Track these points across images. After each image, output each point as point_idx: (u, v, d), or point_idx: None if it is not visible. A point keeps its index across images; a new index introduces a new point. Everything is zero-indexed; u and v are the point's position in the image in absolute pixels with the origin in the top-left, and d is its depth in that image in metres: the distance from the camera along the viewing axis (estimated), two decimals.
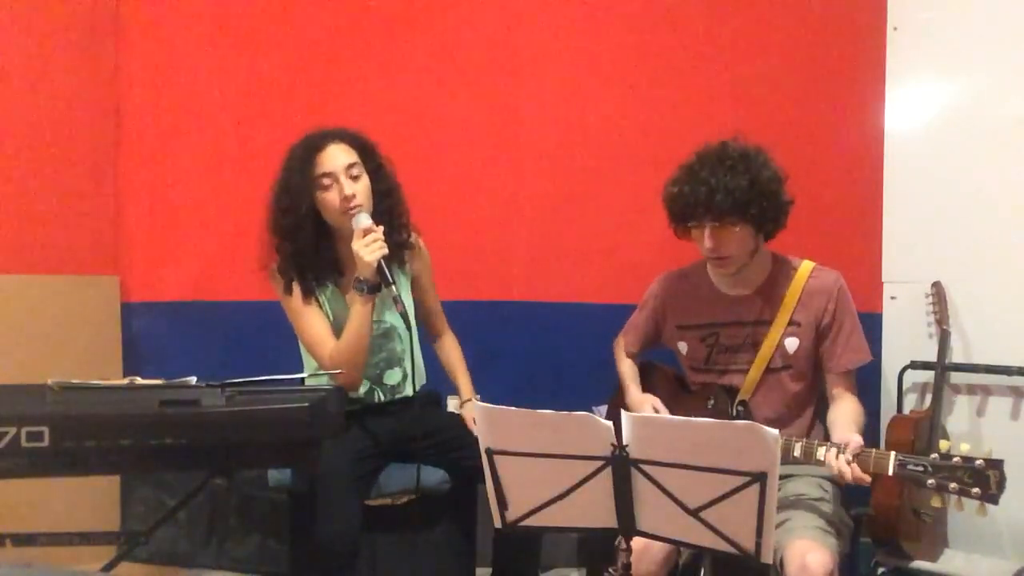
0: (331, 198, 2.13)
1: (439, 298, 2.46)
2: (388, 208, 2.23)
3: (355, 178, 2.14)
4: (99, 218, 3.17)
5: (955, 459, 1.63)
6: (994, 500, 1.61)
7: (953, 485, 1.63)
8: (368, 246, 2.06)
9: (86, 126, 3.12)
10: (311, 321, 2.19)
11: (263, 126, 3.11)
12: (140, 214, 3.23)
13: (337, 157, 2.13)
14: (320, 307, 2.22)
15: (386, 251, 2.08)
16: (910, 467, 1.68)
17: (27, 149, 2.93)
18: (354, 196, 2.11)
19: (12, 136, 2.88)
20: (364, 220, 2.10)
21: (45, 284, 2.93)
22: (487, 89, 3.04)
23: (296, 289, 2.19)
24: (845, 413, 2.01)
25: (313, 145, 2.15)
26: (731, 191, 1.92)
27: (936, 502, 1.72)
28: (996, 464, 1.61)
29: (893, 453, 1.71)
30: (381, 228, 2.11)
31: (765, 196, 1.96)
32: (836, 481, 2.04)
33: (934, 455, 1.66)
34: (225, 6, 3.18)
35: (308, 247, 2.17)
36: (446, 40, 3.06)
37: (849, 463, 1.74)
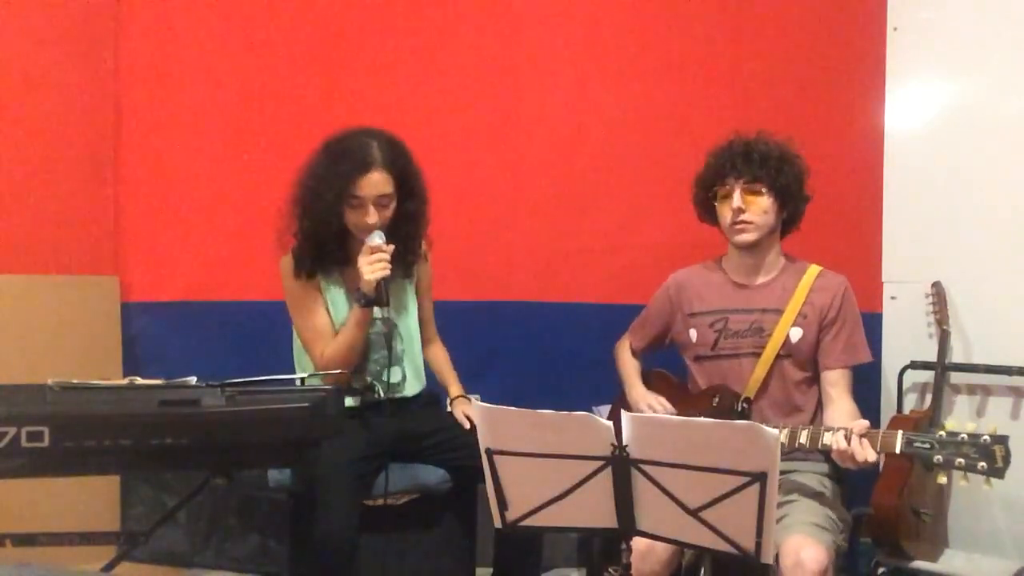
0: (354, 217, 2.16)
1: (432, 307, 2.47)
2: (406, 233, 2.25)
3: (383, 207, 2.16)
4: (99, 218, 3.17)
5: (961, 436, 1.66)
6: (1000, 474, 1.63)
7: (959, 460, 1.65)
8: (372, 264, 2.10)
9: (86, 126, 3.12)
10: (310, 314, 2.22)
11: (263, 126, 3.11)
12: (140, 214, 3.22)
13: (374, 186, 2.13)
14: (321, 295, 2.24)
15: (387, 272, 2.11)
16: (917, 444, 1.71)
17: (27, 149, 2.92)
18: (374, 225, 2.14)
19: (12, 136, 2.88)
20: (375, 238, 2.14)
21: (45, 284, 2.93)
22: (487, 89, 3.04)
23: (302, 276, 2.21)
24: (842, 412, 2.03)
25: (360, 165, 2.12)
26: (765, 155, 2.08)
27: (941, 479, 1.74)
28: (1001, 440, 1.64)
29: (900, 431, 1.73)
30: (391, 248, 2.14)
31: (792, 173, 2.10)
32: (837, 474, 2.05)
33: (940, 432, 1.69)
34: (225, 6, 3.17)
35: (324, 242, 2.20)
36: (446, 39, 3.06)
37: (861, 436, 1.75)
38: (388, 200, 2.16)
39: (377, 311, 2.20)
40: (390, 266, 2.12)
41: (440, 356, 2.47)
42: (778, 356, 2.10)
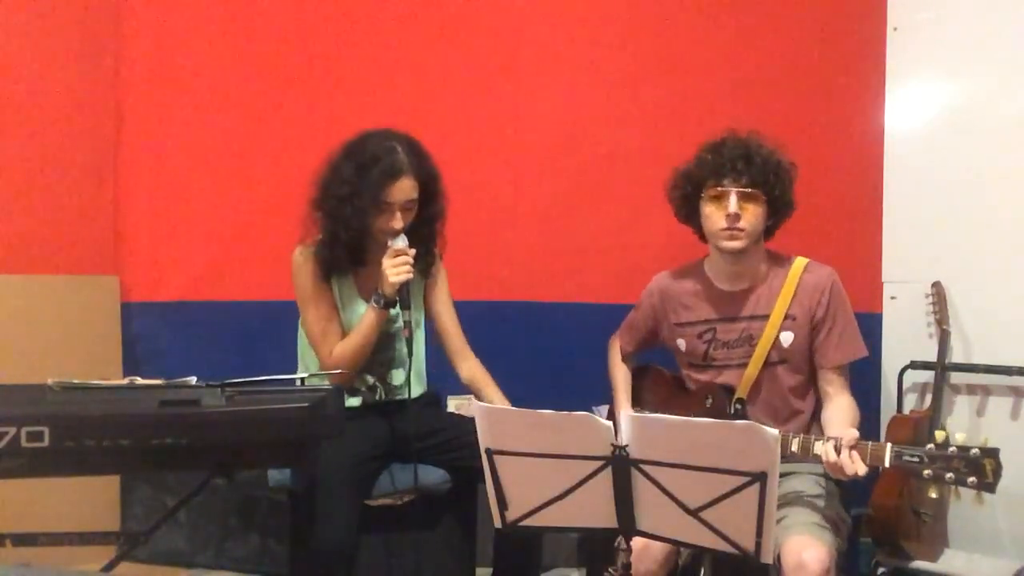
0: (381, 222, 2.16)
1: (457, 317, 2.40)
2: (427, 234, 2.27)
3: (408, 211, 2.18)
4: (99, 218, 3.17)
5: (951, 449, 1.63)
6: (990, 489, 1.60)
7: (949, 475, 1.62)
8: (396, 267, 2.12)
9: (86, 126, 3.12)
10: (321, 313, 2.22)
11: (263, 126, 3.11)
12: (140, 214, 3.22)
13: (403, 192, 2.14)
14: (333, 296, 2.24)
15: (411, 276, 2.13)
16: (906, 458, 1.68)
17: (27, 149, 2.92)
18: (401, 229, 2.15)
19: (12, 136, 2.88)
20: (399, 241, 2.15)
21: (45, 284, 2.93)
22: (487, 89, 3.04)
23: (319, 273, 2.21)
24: (840, 410, 2.00)
25: (391, 172, 2.12)
26: (765, 159, 2.00)
27: (933, 492, 1.71)
28: (992, 452, 1.60)
29: (889, 444, 1.70)
30: (413, 252, 2.16)
31: (788, 180, 2.04)
32: (834, 478, 2.04)
33: (930, 445, 1.66)
34: (225, 6, 3.18)
35: (348, 244, 2.20)
36: (447, 39, 3.06)
37: (850, 448, 1.73)
38: (413, 205, 2.18)
39: (393, 313, 2.20)
40: (412, 270, 2.14)
41: (478, 372, 2.34)
42: (773, 363, 2.06)
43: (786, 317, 2.06)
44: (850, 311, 2.08)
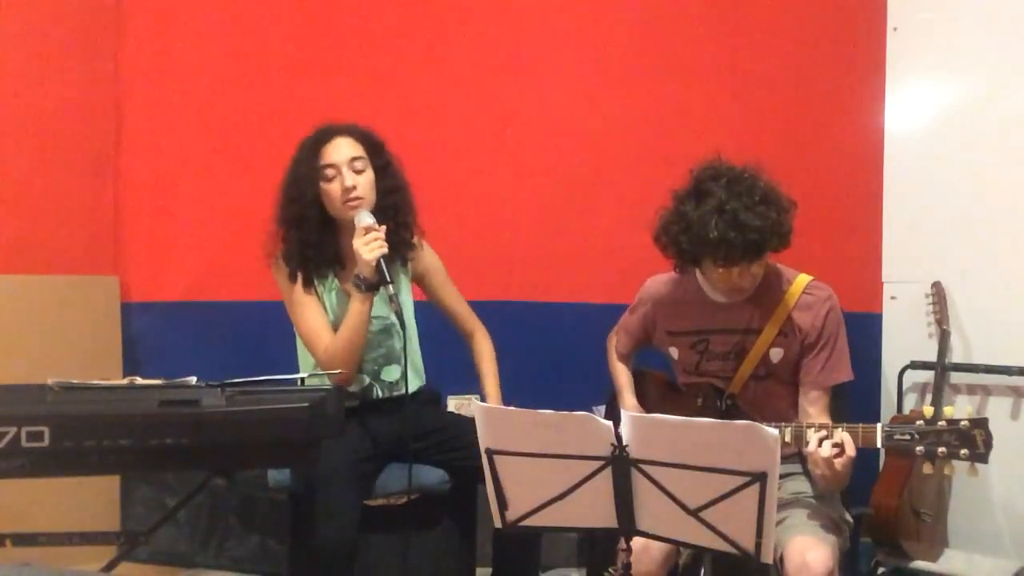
0: (333, 189, 2.14)
1: (462, 297, 2.44)
2: (392, 205, 2.23)
3: (358, 172, 2.15)
4: (99, 218, 3.17)
5: (940, 423, 1.63)
6: (983, 459, 1.60)
7: (941, 449, 1.63)
8: (368, 244, 2.06)
9: (86, 126, 3.12)
10: (309, 313, 2.20)
11: (263, 126, 3.11)
12: (140, 214, 3.22)
13: (341, 149, 2.15)
14: (319, 299, 2.23)
15: (385, 250, 2.08)
16: (897, 437, 1.68)
17: (27, 149, 2.92)
18: (354, 188, 2.13)
19: (12, 136, 2.88)
20: (366, 218, 2.11)
21: (45, 284, 2.93)
22: (487, 89, 3.04)
23: (298, 279, 2.20)
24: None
25: (321, 137, 2.18)
26: (774, 229, 1.86)
27: (927, 469, 1.69)
28: (981, 423, 1.61)
29: (879, 425, 1.70)
30: (383, 228, 2.11)
31: (787, 237, 1.91)
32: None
33: (919, 421, 1.65)
34: (225, 7, 3.18)
35: (312, 237, 2.18)
36: (447, 39, 3.06)
37: (830, 442, 1.72)
38: (361, 163, 2.16)
39: (377, 310, 2.19)
40: (386, 244, 2.09)
41: (480, 350, 2.41)
42: (761, 377, 2.03)
43: (779, 334, 2.01)
44: (844, 336, 2.02)
